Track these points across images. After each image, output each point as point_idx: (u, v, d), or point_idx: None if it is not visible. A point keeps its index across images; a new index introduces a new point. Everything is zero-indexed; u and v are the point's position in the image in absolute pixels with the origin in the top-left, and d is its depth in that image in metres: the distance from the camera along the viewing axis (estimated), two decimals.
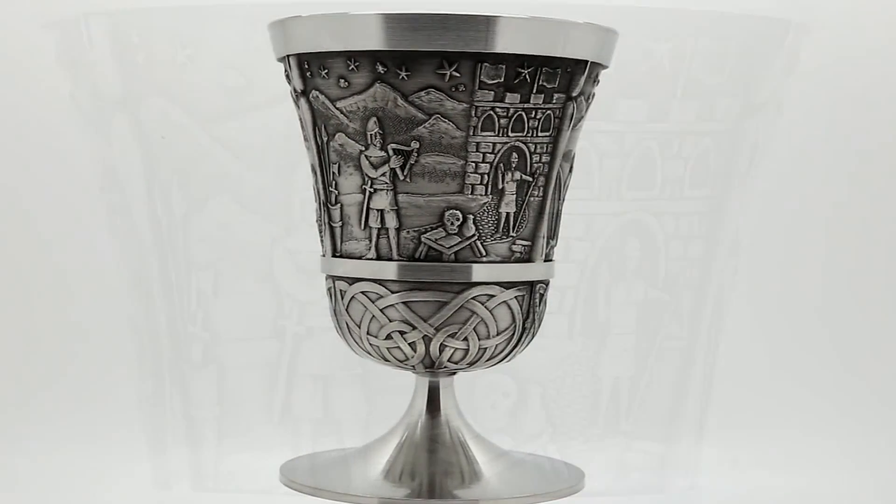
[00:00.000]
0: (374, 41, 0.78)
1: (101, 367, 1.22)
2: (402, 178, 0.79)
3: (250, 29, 0.92)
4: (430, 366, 0.83)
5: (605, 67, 0.85)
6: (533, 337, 0.85)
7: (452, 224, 0.80)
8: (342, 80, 0.79)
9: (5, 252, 1.24)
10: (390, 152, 0.79)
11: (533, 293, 0.84)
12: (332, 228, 0.83)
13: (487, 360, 0.84)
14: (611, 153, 1.04)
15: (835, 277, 1.28)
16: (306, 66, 0.81)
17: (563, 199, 0.86)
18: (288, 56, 0.82)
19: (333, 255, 0.83)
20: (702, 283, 1.10)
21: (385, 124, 0.79)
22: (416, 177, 0.79)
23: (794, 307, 1.28)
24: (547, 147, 0.82)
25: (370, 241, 0.81)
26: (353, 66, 0.79)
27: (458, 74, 0.78)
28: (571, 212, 0.89)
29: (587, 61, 0.81)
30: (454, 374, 0.87)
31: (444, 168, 0.79)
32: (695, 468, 1.11)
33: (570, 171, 0.86)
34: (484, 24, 0.77)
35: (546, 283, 0.85)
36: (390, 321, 0.82)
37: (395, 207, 0.80)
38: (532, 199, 0.82)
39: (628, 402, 1.22)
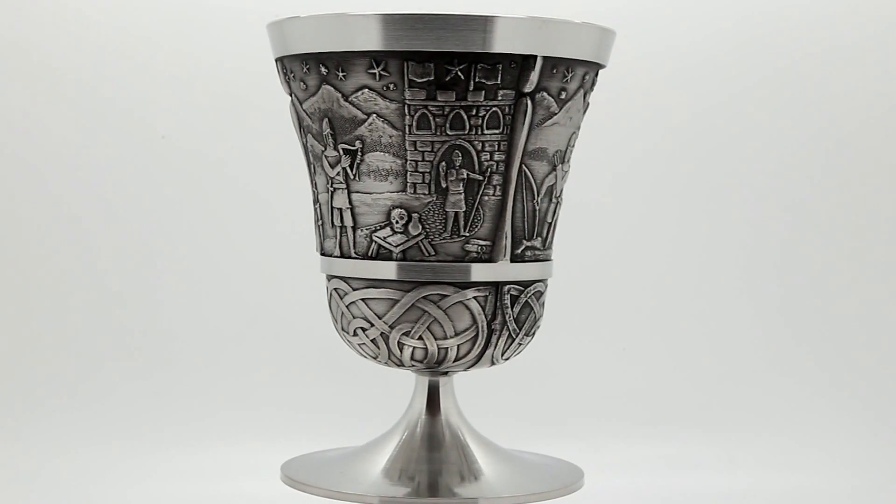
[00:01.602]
0: (314, 44, 0.80)
1: (101, 366, 1.24)
2: (351, 177, 0.81)
3: None
4: (400, 364, 0.84)
5: (585, 63, 0.81)
6: (516, 339, 0.83)
7: (398, 223, 0.81)
8: (302, 83, 0.82)
9: (5, 252, 1.26)
10: (341, 152, 0.81)
11: (500, 294, 0.82)
12: (316, 226, 0.86)
13: (457, 361, 0.83)
14: None
15: (835, 277, 1.26)
16: (287, 70, 0.84)
17: (555, 200, 0.84)
18: (275, 60, 0.86)
19: (320, 253, 0.86)
20: None
21: (334, 124, 0.81)
22: (363, 176, 0.81)
23: (794, 307, 1.25)
24: (499, 145, 0.80)
25: (336, 239, 0.83)
26: (305, 69, 0.81)
27: (387, 73, 0.78)
28: None
29: (535, 56, 0.78)
30: (445, 373, 0.86)
31: (387, 167, 0.80)
32: (695, 468, 1.11)
33: (556, 169, 0.83)
34: (409, 22, 0.77)
35: (526, 283, 0.83)
36: (354, 318, 0.83)
37: (350, 206, 0.82)
38: (486, 198, 0.80)
39: (629, 401, 1.21)
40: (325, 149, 0.82)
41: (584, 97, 0.83)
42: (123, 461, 1.14)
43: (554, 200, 0.84)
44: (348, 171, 0.81)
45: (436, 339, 0.82)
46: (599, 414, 1.22)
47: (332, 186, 0.82)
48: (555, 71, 0.80)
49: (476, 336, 0.82)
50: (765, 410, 1.22)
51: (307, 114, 0.82)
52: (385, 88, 0.78)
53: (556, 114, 0.81)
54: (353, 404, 1.22)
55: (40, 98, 1.25)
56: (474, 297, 0.81)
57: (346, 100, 0.80)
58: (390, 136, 0.79)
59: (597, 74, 0.85)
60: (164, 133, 1.19)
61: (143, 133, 1.23)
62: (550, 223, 0.84)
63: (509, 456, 0.88)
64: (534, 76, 0.79)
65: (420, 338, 0.81)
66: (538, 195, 0.82)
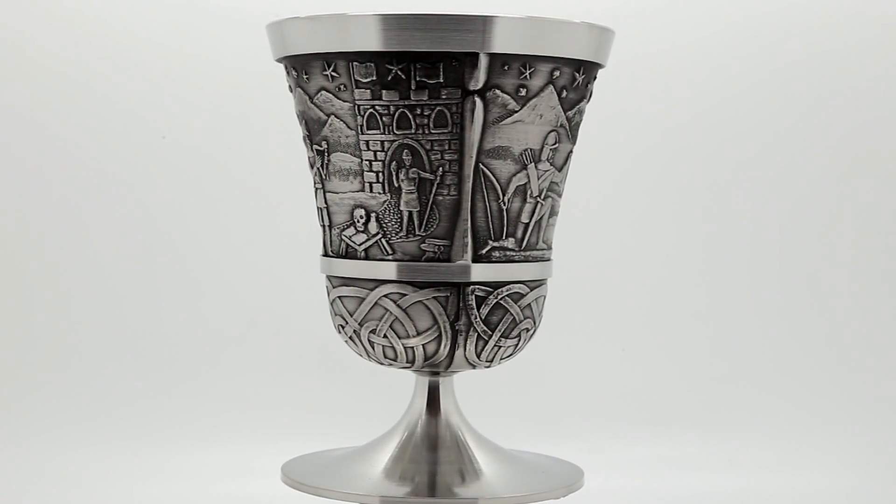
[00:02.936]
0: (288, 48, 0.82)
1: (103, 366, 1.24)
2: (324, 177, 0.83)
3: None
4: (385, 363, 0.84)
5: (550, 59, 0.79)
6: (489, 341, 0.82)
7: (359, 222, 0.82)
8: (289, 87, 0.85)
9: (6, 252, 1.26)
10: (314, 153, 0.83)
11: (463, 295, 0.81)
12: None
13: (428, 361, 0.83)
14: None
15: (835, 278, 1.26)
16: (286, 73, 0.87)
17: (532, 200, 0.82)
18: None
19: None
20: None
21: (309, 126, 0.83)
22: (331, 175, 0.83)
23: (794, 308, 1.25)
24: (449, 144, 0.79)
25: (321, 238, 0.86)
26: (287, 72, 0.84)
27: (336, 75, 0.80)
28: None
29: (477, 53, 0.77)
30: (436, 373, 0.86)
31: (347, 167, 0.81)
32: (695, 468, 1.12)
33: (527, 169, 0.81)
34: (350, 22, 0.78)
35: (496, 284, 0.81)
36: (336, 315, 0.85)
37: (326, 206, 0.84)
38: (441, 197, 0.80)
39: (628, 402, 1.22)
40: (307, 150, 0.84)
41: (562, 94, 0.81)
42: (124, 461, 1.15)
43: (531, 201, 0.82)
44: (321, 171, 0.83)
45: (399, 337, 0.82)
46: (599, 414, 1.22)
47: (314, 186, 0.85)
48: (507, 68, 0.78)
49: (440, 336, 0.82)
50: (764, 411, 1.22)
51: (297, 116, 0.85)
52: (337, 90, 0.80)
53: (516, 111, 0.79)
54: (353, 404, 1.22)
55: (41, 98, 1.26)
56: (434, 297, 0.81)
57: (312, 101, 0.82)
58: (347, 137, 0.81)
59: (582, 71, 0.82)
60: (165, 134, 1.22)
61: (144, 133, 1.26)
62: (528, 223, 0.82)
63: (509, 456, 0.88)
64: (479, 74, 0.78)
65: (385, 336, 0.82)
66: (504, 195, 0.81)
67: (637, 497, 1.08)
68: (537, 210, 0.83)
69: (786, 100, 1.29)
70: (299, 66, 0.82)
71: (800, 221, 1.29)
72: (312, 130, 0.83)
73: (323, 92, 0.81)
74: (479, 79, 0.78)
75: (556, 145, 0.82)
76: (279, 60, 0.84)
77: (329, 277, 0.85)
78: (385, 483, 0.83)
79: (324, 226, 0.84)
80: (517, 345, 0.84)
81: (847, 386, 1.24)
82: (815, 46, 1.29)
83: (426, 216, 0.80)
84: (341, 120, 0.80)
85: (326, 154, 0.82)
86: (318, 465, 0.86)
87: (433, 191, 0.80)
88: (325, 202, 0.83)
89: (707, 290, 1.28)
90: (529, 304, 0.84)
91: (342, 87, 0.79)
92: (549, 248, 0.85)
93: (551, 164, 0.82)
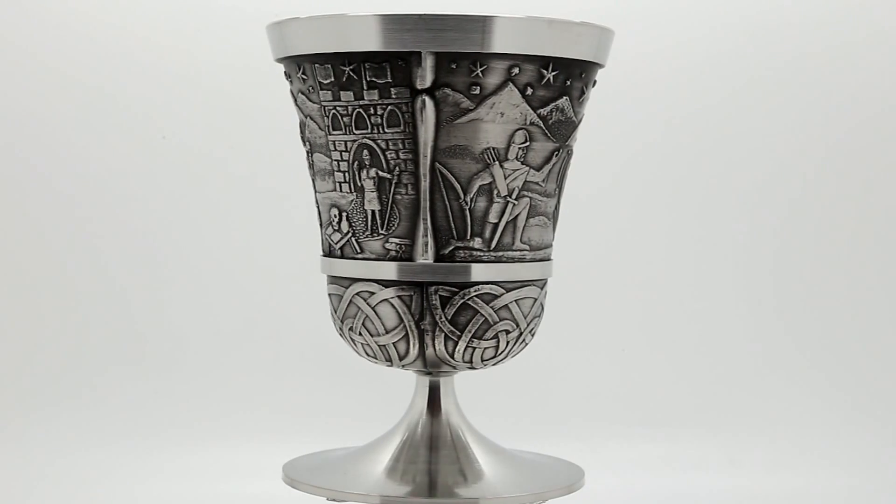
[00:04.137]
0: (276, 51, 0.85)
1: (104, 367, 1.23)
2: (311, 176, 0.86)
3: None
4: (381, 362, 0.86)
5: (505, 56, 0.78)
6: (459, 341, 0.81)
7: (335, 221, 0.84)
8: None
9: (11, 253, 1.26)
10: (305, 152, 0.86)
11: (426, 294, 0.81)
12: None
13: (404, 360, 0.83)
14: None
15: (834, 279, 1.26)
16: None
17: (501, 200, 0.80)
18: None
19: None
20: None
21: (302, 127, 0.86)
22: (315, 175, 0.85)
23: (793, 309, 1.26)
24: (404, 143, 0.79)
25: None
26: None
27: (306, 77, 0.82)
28: None
29: (419, 52, 0.77)
30: (429, 373, 0.87)
31: (323, 167, 0.83)
32: (695, 468, 1.13)
33: (491, 168, 0.80)
34: (312, 25, 0.80)
35: (462, 285, 0.81)
36: (330, 311, 0.87)
37: (316, 205, 0.86)
38: (400, 196, 0.80)
39: (629, 402, 1.22)
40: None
41: (526, 91, 0.79)
42: (126, 461, 1.16)
43: (499, 200, 0.80)
44: (309, 171, 0.85)
45: (371, 335, 0.83)
46: (600, 414, 1.22)
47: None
48: (454, 66, 0.78)
49: (407, 335, 0.82)
50: (764, 411, 1.22)
51: None
52: (309, 91, 0.82)
53: (471, 109, 0.78)
54: (354, 405, 1.22)
55: (42, 98, 1.26)
56: (398, 296, 0.81)
57: (296, 103, 0.84)
58: (319, 137, 0.83)
59: (552, 68, 0.80)
60: (165, 134, 1.21)
61: (145, 133, 1.25)
62: (497, 224, 0.81)
63: (510, 456, 0.87)
64: (425, 73, 0.78)
65: (361, 334, 0.83)
66: (466, 194, 0.80)
67: (638, 497, 1.09)
68: (508, 210, 0.81)
69: (782, 100, 1.29)
70: (288, 70, 0.84)
71: (798, 222, 1.29)
72: (301, 131, 0.85)
73: (300, 94, 0.83)
74: (426, 78, 0.78)
75: (527, 144, 0.80)
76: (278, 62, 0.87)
77: (326, 275, 0.87)
78: (386, 483, 0.83)
79: (318, 225, 0.87)
80: (498, 346, 0.83)
81: (846, 386, 1.24)
82: (813, 46, 1.28)
83: (387, 215, 0.81)
84: (314, 121, 0.83)
85: (310, 154, 0.84)
86: (319, 465, 0.87)
87: (392, 190, 0.80)
88: (316, 202, 0.86)
89: (707, 290, 1.29)
90: (506, 306, 0.82)
91: (311, 88, 0.82)
92: (535, 248, 0.83)
93: (524, 164, 0.81)
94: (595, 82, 0.85)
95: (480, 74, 0.78)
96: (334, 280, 0.84)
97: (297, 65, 0.82)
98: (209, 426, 1.20)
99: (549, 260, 0.85)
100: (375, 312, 0.82)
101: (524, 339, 0.85)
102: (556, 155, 0.82)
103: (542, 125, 0.81)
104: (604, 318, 1.28)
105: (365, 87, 0.79)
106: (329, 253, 0.84)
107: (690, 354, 1.27)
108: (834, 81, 1.29)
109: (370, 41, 0.78)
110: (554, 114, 0.81)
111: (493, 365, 0.85)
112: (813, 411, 1.24)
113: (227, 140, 1.25)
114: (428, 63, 0.77)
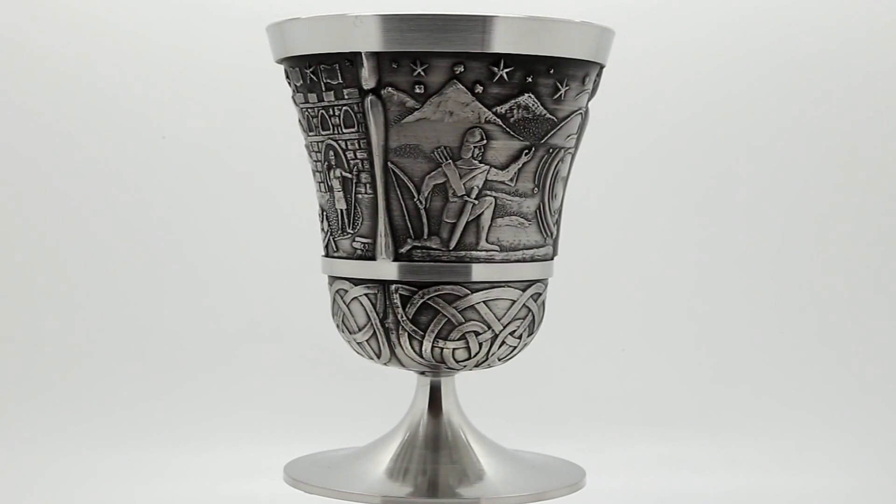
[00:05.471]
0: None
1: (106, 367, 1.21)
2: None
3: None
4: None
5: (445, 55, 0.78)
6: (423, 341, 0.81)
7: (321, 220, 0.86)
8: None
9: (11, 253, 1.24)
10: None
11: (387, 293, 0.82)
12: None
13: (379, 357, 0.84)
14: None
15: (834, 279, 1.27)
16: None
17: (458, 199, 0.80)
18: None
19: None
20: None
21: None
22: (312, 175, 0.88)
23: (792, 307, 1.27)
24: (359, 143, 0.81)
25: None
26: None
27: (289, 80, 0.85)
28: None
29: (360, 53, 0.78)
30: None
31: (312, 167, 0.86)
32: (696, 469, 1.13)
33: (446, 167, 0.80)
34: (280, 30, 0.82)
35: (421, 284, 0.81)
36: None
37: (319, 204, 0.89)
38: (361, 196, 0.81)
39: (630, 402, 1.22)
40: None
41: (476, 89, 0.78)
42: (127, 461, 1.16)
43: (455, 200, 0.80)
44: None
45: (350, 333, 0.85)
46: (601, 414, 1.23)
47: None
48: (396, 65, 0.78)
49: (375, 333, 0.83)
50: (765, 411, 1.23)
51: None
52: (293, 93, 0.85)
53: (416, 109, 0.79)
54: (355, 405, 1.21)
55: (42, 98, 1.26)
56: (364, 294, 0.83)
57: (296, 105, 0.87)
58: (305, 139, 0.85)
59: (504, 65, 0.78)
60: (165, 134, 1.18)
61: (145, 134, 1.25)
62: (455, 223, 0.80)
63: (511, 456, 0.87)
64: (366, 73, 0.78)
65: (343, 331, 0.85)
66: (420, 193, 0.80)
67: (639, 497, 1.09)
68: (467, 210, 0.80)
69: (783, 100, 1.29)
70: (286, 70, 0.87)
71: (798, 222, 1.29)
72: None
73: (292, 98, 0.86)
74: (367, 78, 0.78)
75: (484, 142, 0.79)
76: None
77: None
78: (387, 483, 0.84)
79: None
80: (469, 348, 0.82)
81: (847, 386, 1.25)
82: (813, 46, 1.28)
83: (353, 214, 0.82)
84: (300, 123, 0.85)
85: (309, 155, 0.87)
86: (320, 466, 0.88)
87: (354, 189, 0.82)
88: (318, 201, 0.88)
89: (707, 290, 1.29)
90: (473, 307, 0.81)
91: (294, 91, 0.84)
92: (508, 249, 0.81)
93: (482, 163, 0.80)
94: (587, 79, 0.82)
95: (423, 73, 0.78)
96: (329, 278, 0.87)
97: (284, 68, 0.85)
98: (211, 426, 1.21)
99: (534, 261, 0.83)
100: (350, 310, 0.84)
101: (504, 341, 0.83)
102: (527, 154, 0.81)
103: (501, 123, 0.79)
104: (604, 318, 1.28)
105: (323, 89, 0.81)
106: (325, 252, 0.87)
107: (691, 354, 1.27)
108: (835, 81, 1.29)
109: (319, 43, 0.80)
110: (516, 111, 0.79)
111: (478, 366, 0.84)
112: (813, 411, 1.24)
113: (227, 140, 1.27)
114: (369, 63, 0.78)
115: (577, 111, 0.83)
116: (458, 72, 0.78)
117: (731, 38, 1.29)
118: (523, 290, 0.83)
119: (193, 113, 1.26)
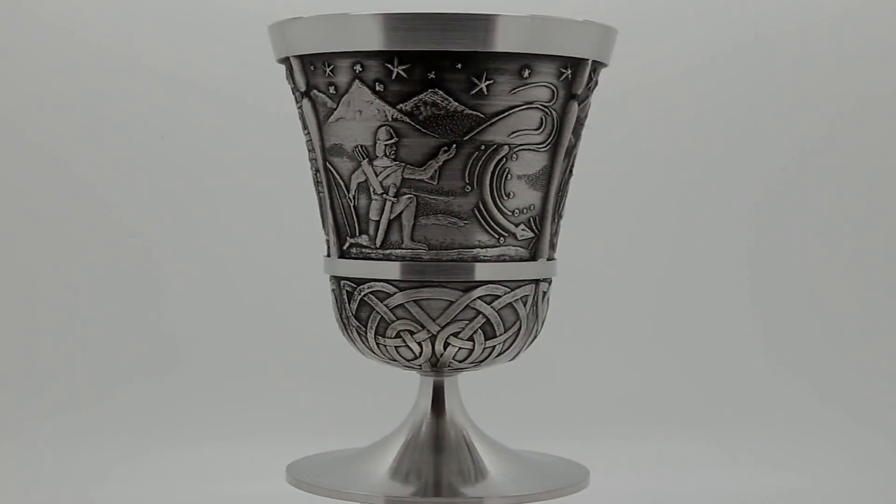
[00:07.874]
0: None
1: (106, 367, 1.18)
2: None
3: None
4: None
5: (349, 54, 0.79)
6: (366, 336, 0.83)
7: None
8: None
9: (11, 254, 1.24)
10: None
11: (340, 288, 0.84)
12: None
13: (360, 352, 0.87)
14: None
15: (835, 278, 1.30)
16: None
17: (377, 197, 0.81)
18: None
19: None
20: None
21: None
22: None
23: (793, 306, 1.29)
24: (310, 144, 0.84)
25: None
26: None
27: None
28: None
29: (287, 56, 0.82)
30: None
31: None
32: (699, 468, 1.14)
33: (362, 166, 0.81)
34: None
35: (359, 281, 0.82)
36: None
37: None
38: (320, 195, 0.85)
39: (633, 401, 1.24)
40: None
41: (376, 87, 0.79)
42: (129, 461, 1.14)
43: (376, 198, 0.81)
44: None
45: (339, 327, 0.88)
46: (604, 413, 1.24)
47: None
48: (313, 67, 0.81)
49: (340, 327, 0.86)
50: (766, 410, 1.25)
51: None
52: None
53: (334, 109, 0.81)
54: (358, 405, 1.20)
55: (41, 98, 1.25)
56: (331, 289, 0.86)
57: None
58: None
59: (398, 63, 0.78)
60: (164, 134, 1.07)
61: (144, 134, 1.24)
62: (378, 221, 0.81)
63: (515, 455, 0.87)
64: (297, 75, 0.82)
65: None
66: (349, 192, 0.82)
67: (642, 496, 1.10)
68: (387, 208, 0.81)
69: (784, 100, 1.30)
70: None
71: (801, 222, 1.30)
72: None
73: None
74: (298, 80, 0.82)
75: (394, 140, 0.80)
76: None
77: None
78: (390, 483, 0.85)
79: None
80: (410, 347, 0.82)
81: (848, 386, 1.27)
82: (814, 47, 1.30)
83: (321, 212, 0.86)
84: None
85: None
86: (323, 466, 0.89)
87: (316, 189, 0.86)
88: None
89: (709, 289, 1.30)
90: (402, 305, 0.81)
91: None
92: (437, 248, 0.80)
93: (396, 160, 0.80)
94: (529, 73, 0.79)
95: (331, 74, 0.80)
96: None
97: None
98: (214, 426, 1.21)
99: (480, 261, 0.81)
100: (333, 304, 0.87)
101: (447, 342, 0.82)
102: (446, 151, 0.79)
103: (409, 121, 0.79)
104: (607, 317, 1.29)
105: (292, 90, 0.85)
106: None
107: (694, 354, 1.29)
108: (837, 81, 1.30)
109: (277, 48, 0.84)
110: (423, 108, 0.79)
111: (435, 368, 0.84)
112: (814, 411, 1.25)
113: (226, 140, 1.26)
114: (296, 66, 0.82)
115: (520, 106, 0.79)
116: (358, 71, 0.79)
117: (740, 38, 1.30)
118: (464, 291, 0.81)
119: (193, 113, 1.27)
